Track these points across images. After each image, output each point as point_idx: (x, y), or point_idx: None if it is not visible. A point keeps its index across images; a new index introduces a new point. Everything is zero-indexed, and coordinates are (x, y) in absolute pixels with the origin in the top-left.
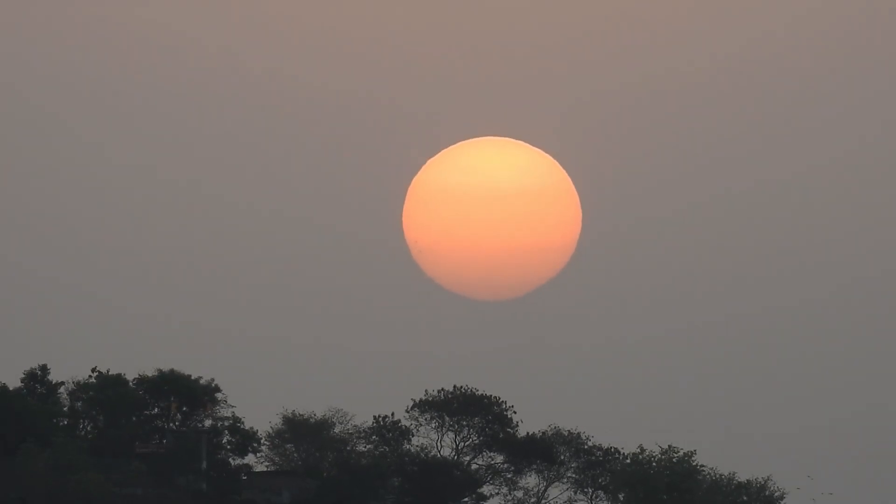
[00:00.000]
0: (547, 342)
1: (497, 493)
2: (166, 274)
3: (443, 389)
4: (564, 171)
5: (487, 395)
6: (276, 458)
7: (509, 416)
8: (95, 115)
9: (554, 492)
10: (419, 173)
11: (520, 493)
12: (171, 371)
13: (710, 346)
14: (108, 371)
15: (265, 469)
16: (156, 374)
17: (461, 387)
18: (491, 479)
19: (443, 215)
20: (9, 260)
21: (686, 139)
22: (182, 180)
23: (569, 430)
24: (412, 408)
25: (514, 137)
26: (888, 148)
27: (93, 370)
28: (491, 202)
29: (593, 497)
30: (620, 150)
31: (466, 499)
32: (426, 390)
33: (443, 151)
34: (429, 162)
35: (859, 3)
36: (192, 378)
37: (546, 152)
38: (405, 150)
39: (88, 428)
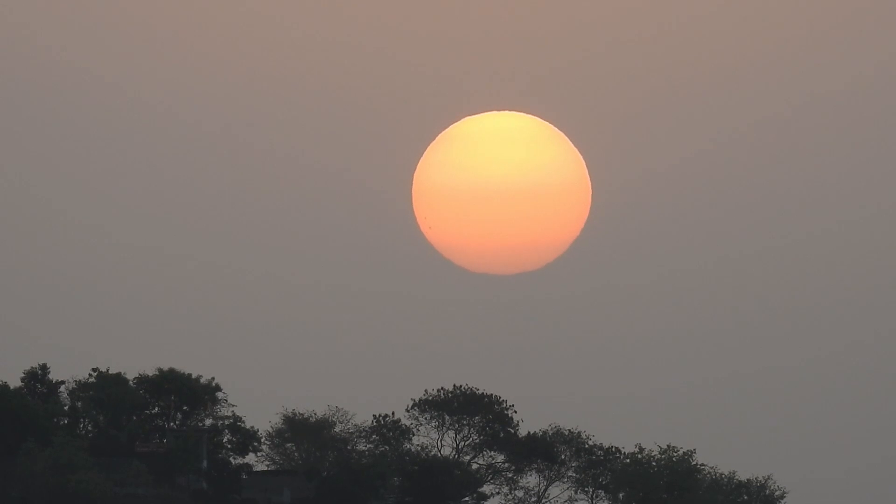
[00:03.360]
0: (547, 341)
1: (498, 493)
2: (166, 273)
3: (443, 388)
4: (578, 152)
5: (488, 394)
6: (277, 458)
7: (510, 416)
8: (95, 114)
9: (554, 491)
10: (418, 166)
11: (520, 493)
12: (171, 370)
13: (711, 345)
14: (108, 370)
15: (266, 468)
16: (156, 373)
17: (461, 386)
18: (491, 478)
19: (452, 193)
20: (9, 260)
21: (703, 136)
22: (181, 179)
23: (569, 430)
24: (412, 407)
25: (528, 112)
26: None
27: (93, 370)
28: (497, 179)
29: (594, 496)
30: (629, 129)
31: (467, 498)
32: (426, 389)
33: (443, 134)
34: (422, 159)
35: None
36: (193, 377)
37: (558, 128)
38: (407, 141)
39: (89, 427)
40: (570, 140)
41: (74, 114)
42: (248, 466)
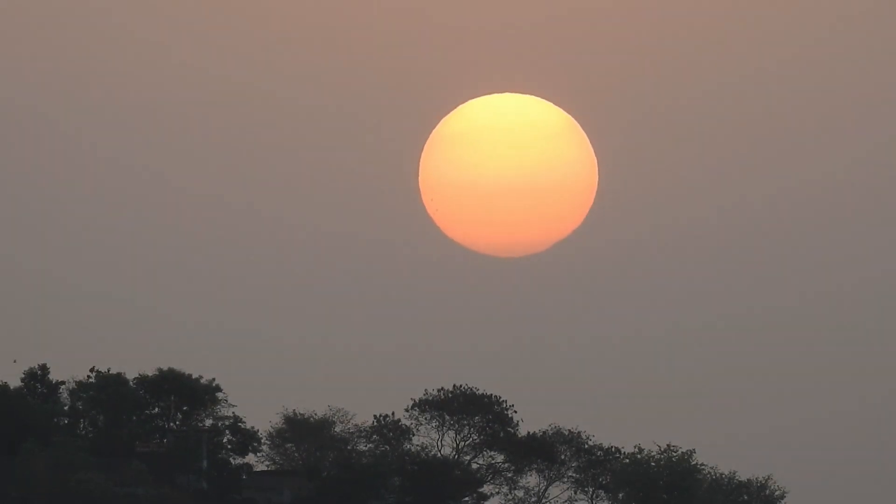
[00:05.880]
0: (546, 340)
1: (497, 493)
2: (166, 273)
3: (443, 388)
4: (585, 134)
5: (488, 394)
6: (277, 458)
7: (510, 416)
8: (94, 115)
9: (554, 491)
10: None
11: (520, 493)
12: (171, 370)
13: (711, 345)
14: (108, 370)
15: (266, 468)
16: (156, 373)
17: (461, 386)
18: (491, 478)
19: (454, 183)
20: (9, 260)
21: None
22: (180, 177)
23: (569, 430)
24: (412, 407)
25: (527, 93)
26: None
27: (92, 370)
28: (499, 169)
29: (594, 496)
30: (639, 117)
31: (467, 498)
32: (426, 389)
33: (444, 123)
34: (426, 147)
35: None
36: (193, 377)
37: (565, 110)
38: (408, 136)
39: (89, 427)
40: (579, 125)
41: (74, 113)
42: (248, 466)
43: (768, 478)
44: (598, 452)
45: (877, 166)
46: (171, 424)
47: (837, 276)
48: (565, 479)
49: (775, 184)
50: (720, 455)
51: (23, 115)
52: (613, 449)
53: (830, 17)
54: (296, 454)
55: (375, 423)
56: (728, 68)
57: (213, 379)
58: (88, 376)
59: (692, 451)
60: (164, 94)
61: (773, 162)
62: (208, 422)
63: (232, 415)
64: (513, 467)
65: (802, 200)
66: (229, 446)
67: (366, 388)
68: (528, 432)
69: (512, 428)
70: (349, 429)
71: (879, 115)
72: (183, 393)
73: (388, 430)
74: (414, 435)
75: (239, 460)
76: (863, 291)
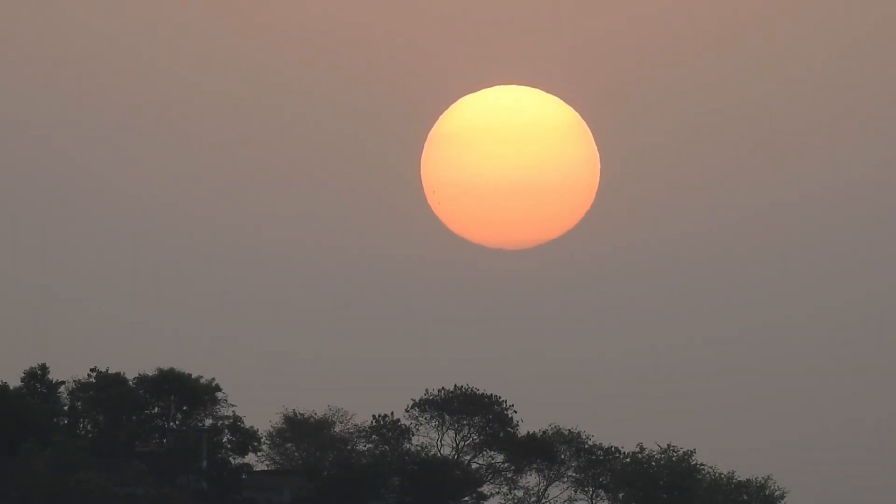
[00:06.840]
0: (547, 340)
1: (497, 493)
2: (166, 273)
3: (443, 388)
4: (586, 126)
5: (488, 394)
6: (277, 458)
7: (510, 416)
8: (95, 116)
9: (554, 491)
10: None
11: (520, 493)
12: (172, 370)
13: (711, 346)
14: (107, 370)
15: (266, 468)
16: (156, 373)
17: (461, 386)
18: (491, 478)
19: (454, 180)
20: (9, 260)
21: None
22: (180, 178)
23: (569, 430)
24: (412, 407)
25: (531, 85)
26: None
27: (92, 370)
28: (499, 164)
29: (594, 496)
30: (644, 116)
31: (467, 498)
32: (426, 389)
33: (455, 105)
34: (427, 142)
35: None
36: (193, 377)
37: (564, 101)
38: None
39: (89, 427)
40: (582, 119)
41: (75, 112)
42: (248, 466)
43: (768, 478)
44: (598, 452)
45: (882, 171)
46: (171, 424)
47: (837, 277)
48: (565, 479)
49: (778, 190)
50: (720, 455)
51: (24, 116)
52: (613, 449)
53: (837, 20)
54: (296, 454)
55: (375, 423)
56: (739, 71)
57: (213, 379)
58: (88, 376)
59: (692, 451)
60: (166, 95)
61: (778, 167)
62: (208, 422)
63: (232, 415)
64: (513, 467)
65: (806, 203)
66: (229, 446)
67: (366, 388)
68: (528, 432)
69: (512, 428)
70: (349, 429)
71: (886, 120)
72: (183, 393)
73: (388, 430)
74: (414, 435)
75: (239, 460)
76: (862, 293)
